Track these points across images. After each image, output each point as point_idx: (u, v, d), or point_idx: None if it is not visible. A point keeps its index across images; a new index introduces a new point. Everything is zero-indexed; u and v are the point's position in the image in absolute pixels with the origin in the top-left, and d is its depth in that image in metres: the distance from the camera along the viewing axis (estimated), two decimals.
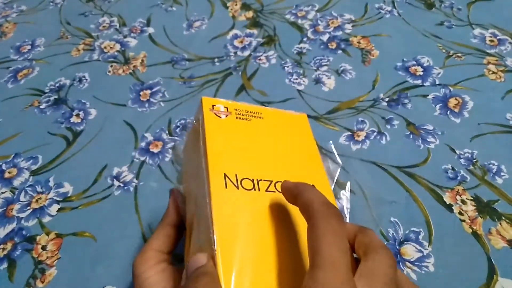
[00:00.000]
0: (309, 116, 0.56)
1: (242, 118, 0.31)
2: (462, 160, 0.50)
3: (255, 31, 0.71)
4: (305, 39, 0.68)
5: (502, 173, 0.49)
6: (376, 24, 0.70)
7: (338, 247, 0.17)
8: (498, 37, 0.65)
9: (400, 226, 0.45)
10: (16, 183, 0.52)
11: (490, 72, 0.60)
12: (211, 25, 0.73)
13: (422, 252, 0.43)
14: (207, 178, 0.25)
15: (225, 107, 0.31)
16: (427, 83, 0.59)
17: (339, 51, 0.66)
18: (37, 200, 0.50)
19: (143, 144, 0.55)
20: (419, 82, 0.60)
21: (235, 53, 0.67)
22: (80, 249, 0.45)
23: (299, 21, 0.72)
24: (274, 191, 0.26)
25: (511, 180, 0.48)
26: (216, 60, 0.66)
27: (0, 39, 0.75)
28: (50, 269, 0.44)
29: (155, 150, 0.54)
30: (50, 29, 0.75)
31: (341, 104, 0.58)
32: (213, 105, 0.32)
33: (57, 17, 0.78)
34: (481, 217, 0.45)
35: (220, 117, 0.29)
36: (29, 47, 0.72)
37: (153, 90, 0.62)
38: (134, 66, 0.66)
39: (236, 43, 0.69)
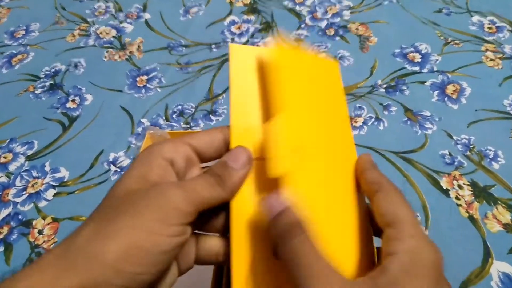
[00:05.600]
0: None
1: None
2: (459, 146, 0.50)
3: (252, 18, 0.70)
4: (303, 25, 0.68)
5: (498, 159, 0.49)
6: (374, 11, 0.69)
7: (411, 213, 0.21)
8: (496, 25, 0.65)
9: None
10: (11, 168, 0.52)
11: (488, 59, 0.60)
12: (208, 11, 0.72)
13: None
14: None
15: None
16: (425, 70, 0.59)
17: (337, 38, 0.65)
18: (33, 185, 0.50)
19: (139, 129, 0.55)
20: (417, 68, 0.59)
21: (233, 39, 0.66)
22: None
23: (297, 8, 0.71)
24: None
25: (508, 166, 0.48)
26: (213, 46, 0.66)
27: None
28: None
29: None
30: (45, 14, 0.74)
31: None
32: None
33: (52, 2, 0.77)
34: (477, 202, 0.45)
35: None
36: (23, 32, 0.71)
37: (150, 76, 0.62)
38: (130, 52, 0.66)
39: (233, 29, 0.68)
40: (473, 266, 0.41)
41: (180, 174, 0.22)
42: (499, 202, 0.45)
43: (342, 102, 0.28)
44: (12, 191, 0.50)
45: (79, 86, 0.61)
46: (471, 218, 0.44)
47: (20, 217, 0.47)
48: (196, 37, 0.67)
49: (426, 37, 0.64)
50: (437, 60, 0.60)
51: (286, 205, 0.20)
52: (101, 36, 0.69)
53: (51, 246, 0.44)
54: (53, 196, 0.49)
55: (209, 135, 0.23)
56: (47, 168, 0.52)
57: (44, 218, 0.47)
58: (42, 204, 0.48)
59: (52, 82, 0.62)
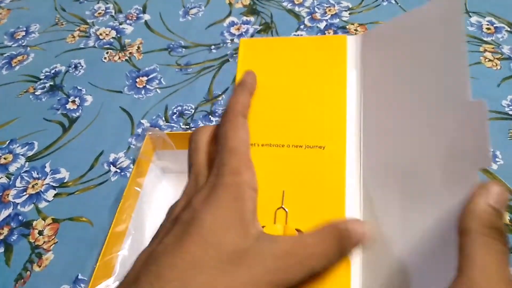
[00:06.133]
0: None
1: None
2: None
3: (252, 19, 0.70)
4: (302, 26, 0.68)
5: (497, 159, 0.49)
6: (373, 11, 0.70)
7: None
8: (494, 25, 0.65)
9: None
10: (12, 169, 0.52)
11: (487, 60, 0.60)
12: (208, 12, 0.73)
13: None
14: None
15: None
16: None
17: None
18: (33, 186, 0.50)
19: (139, 130, 0.55)
20: None
21: (232, 40, 0.67)
22: (77, 233, 0.46)
23: (296, 9, 0.72)
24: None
25: (506, 166, 0.48)
26: (212, 47, 0.66)
27: None
28: (47, 254, 0.44)
29: None
30: (45, 15, 0.74)
31: None
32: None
33: (52, 3, 0.77)
34: None
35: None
36: (23, 33, 0.71)
37: (150, 77, 0.62)
38: (130, 53, 0.66)
39: (233, 30, 0.69)
40: None
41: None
42: None
43: (341, 78, 0.27)
44: (12, 192, 0.50)
45: (79, 87, 0.61)
46: None
47: (20, 218, 0.48)
48: (195, 38, 0.68)
49: None
50: None
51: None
52: (101, 37, 0.69)
53: (51, 246, 0.45)
54: (53, 197, 0.49)
55: (240, 135, 0.22)
56: (47, 169, 0.52)
57: (44, 219, 0.47)
58: (42, 205, 0.49)
59: (52, 83, 0.62)
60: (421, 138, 0.22)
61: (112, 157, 0.52)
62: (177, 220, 0.19)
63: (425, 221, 0.20)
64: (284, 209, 0.23)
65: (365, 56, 0.27)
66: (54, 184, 0.50)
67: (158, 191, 0.46)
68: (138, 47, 0.67)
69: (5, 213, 0.48)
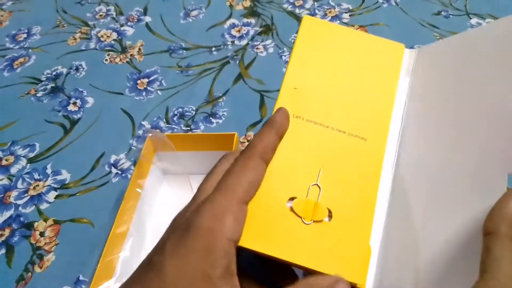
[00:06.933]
0: None
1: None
2: None
3: (252, 20, 0.71)
4: None
5: None
6: (373, 13, 0.70)
7: None
8: None
9: None
10: (13, 170, 0.52)
11: None
12: (209, 14, 0.73)
13: None
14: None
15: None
16: None
17: None
18: (34, 187, 0.50)
19: (140, 132, 0.55)
20: None
21: (233, 42, 0.67)
22: (78, 235, 0.46)
23: (297, 11, 0.72)
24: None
25: None
26: (213, 49, 0.66)
27: None
28: (48, 255, 0.44)
29: None
30: (46, 17, 0.75)
31: None
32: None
33: (53, 5, 0.77)
34: None
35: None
36: (25, 35, 0.71)
37: (150, 78, 0.62)
38: (131, 55, 0.66)
39: (233, 32, 0.69)
40: None
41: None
42: None
43: (390, 85, 0.28)
44: (14, 193, 0.50)
45: (80, 89, 0.62)
46: None
47: (21, 219, 0.48)
48: (196, 40, 0.68)
49: (425, 39, 0.64)
50: None
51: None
52: (102, 39, 0.70)
53: (53, 248, 0.45)
54: (55, 198, 0.49)
55: (247, 177, 0.20)
56: (49, 171, 0.52)
57: (45, 220, 0.47)
58: (43, 206, 0.49)
59: (53, 85, 0.63)
60: (455, 143, 0.23)
61: (113, 158, 0.52)
62: (149, 260, 0.18)
63: (450, 222, 0.20)
64: (319, 186, 0.24)
65: (417, 67, 0.29)
66: (55, 186, 0.50)
67: (159, 193, 0.46)
68: (139, 49, 0.67)
69: (7, 214, 0.48)
